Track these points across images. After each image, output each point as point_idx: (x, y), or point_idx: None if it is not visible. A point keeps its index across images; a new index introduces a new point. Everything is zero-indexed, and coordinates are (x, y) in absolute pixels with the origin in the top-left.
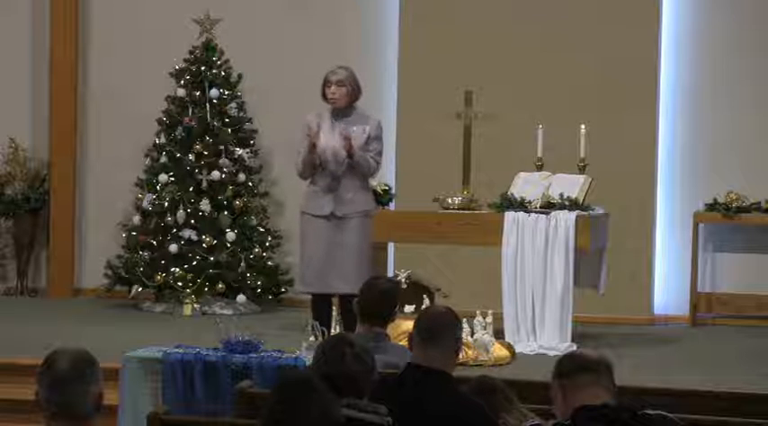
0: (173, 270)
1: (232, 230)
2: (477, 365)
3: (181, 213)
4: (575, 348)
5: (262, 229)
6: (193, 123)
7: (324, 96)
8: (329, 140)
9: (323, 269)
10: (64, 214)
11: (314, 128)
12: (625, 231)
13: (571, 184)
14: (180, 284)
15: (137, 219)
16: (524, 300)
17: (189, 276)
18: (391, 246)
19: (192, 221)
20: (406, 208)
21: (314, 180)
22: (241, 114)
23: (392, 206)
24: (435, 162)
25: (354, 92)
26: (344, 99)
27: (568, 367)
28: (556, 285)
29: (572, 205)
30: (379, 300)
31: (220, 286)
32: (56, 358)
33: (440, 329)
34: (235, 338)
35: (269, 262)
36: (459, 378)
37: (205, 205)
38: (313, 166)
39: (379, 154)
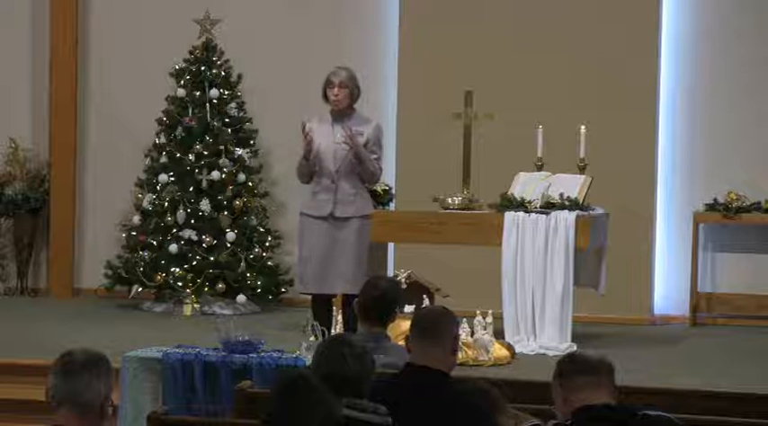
0: (173, 270)
1: (232, 230)
2: (477, 365)
3: (181, 213)
4: (575, 348)
5: (262, 229)
6: (193, 123)
7: (325, 97)
8: (329, 143)
9: (322, 269)
10: (64, 214)
11: (309, 133)
12: (625, 231)
13: (571, 184)
14: (180, 284)
15: (137, 219)
16: (524, 300)
17: (189, 276)
18: (391, 246)
19: (192, 221)
20: (406, 208)
21: (315, 181)
22: (241, 114)
23: (392, 206)
24: (435, 162)
25: (355, 93)
26: (346, 100)
27: (569, 367)
28: (556, 285)
29: (572, 205)
30: (379, 300)
31: (220, 286)
32: (71, 351)
33: (437, 328)
34: (235, 338)
35: (269, 262)
36: (458, 379)
37: (205, 205)
38: (310, 172)
39: (380, 159)
